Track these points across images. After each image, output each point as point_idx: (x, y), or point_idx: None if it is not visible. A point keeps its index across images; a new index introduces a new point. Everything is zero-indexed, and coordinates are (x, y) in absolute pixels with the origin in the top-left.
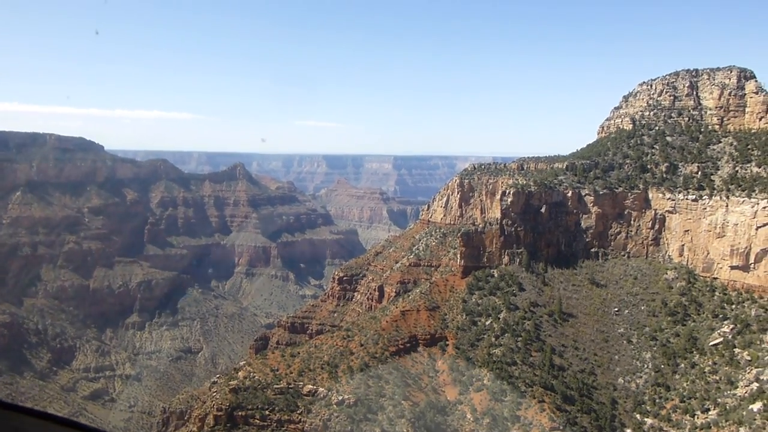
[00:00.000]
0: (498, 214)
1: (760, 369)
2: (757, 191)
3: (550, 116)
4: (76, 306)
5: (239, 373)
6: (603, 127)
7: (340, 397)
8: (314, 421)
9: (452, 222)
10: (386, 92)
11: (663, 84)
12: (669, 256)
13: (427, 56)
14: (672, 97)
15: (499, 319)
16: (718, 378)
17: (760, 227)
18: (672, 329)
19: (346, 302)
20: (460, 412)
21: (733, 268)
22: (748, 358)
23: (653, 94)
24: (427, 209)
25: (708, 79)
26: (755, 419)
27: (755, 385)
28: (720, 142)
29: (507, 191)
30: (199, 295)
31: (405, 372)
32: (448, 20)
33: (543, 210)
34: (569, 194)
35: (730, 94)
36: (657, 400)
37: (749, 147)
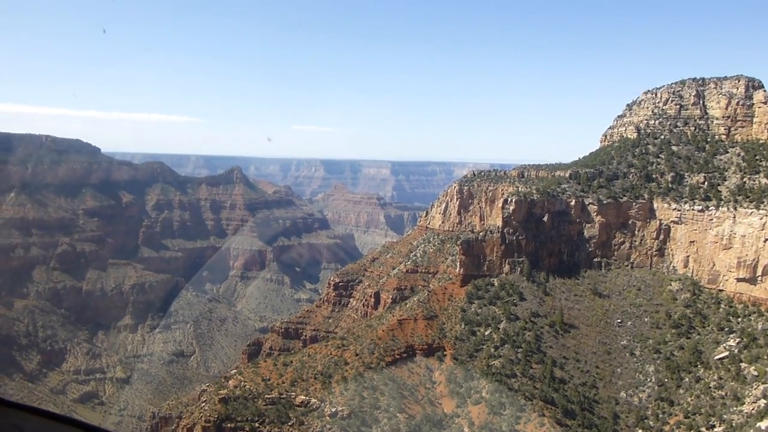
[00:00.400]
0: (498, 222)
1: (767, 385)
2: (765, 203)
3: (548, 124)
4: (68, 308)
5: (229, 382)
6: (606, 136)
7: (334, 409)
8: None
9: (451, 229)
10: (384, 97)
11: (668, 92)
12: (674, 267)
13: (425, 62)
14: (678, 106)
15: (498, 329)
16: (724, 393)
17: None
18: (676, 342)
19: (341, 308)
20: (458, 425)
21: (739, 280)
22: (755, 373)
23: (658, 102)
24: (426, 215)
25: (715, 88)
26: None
27: (763, 402)
28: (727, 152)
29: (509, 199)
30: (193, 298)
31: (401, 383)
32: (447, 26)
33: (545, 218)
34: (572, 203)
35: (737, 104)
36: (660, 416)
37: (757, 157)
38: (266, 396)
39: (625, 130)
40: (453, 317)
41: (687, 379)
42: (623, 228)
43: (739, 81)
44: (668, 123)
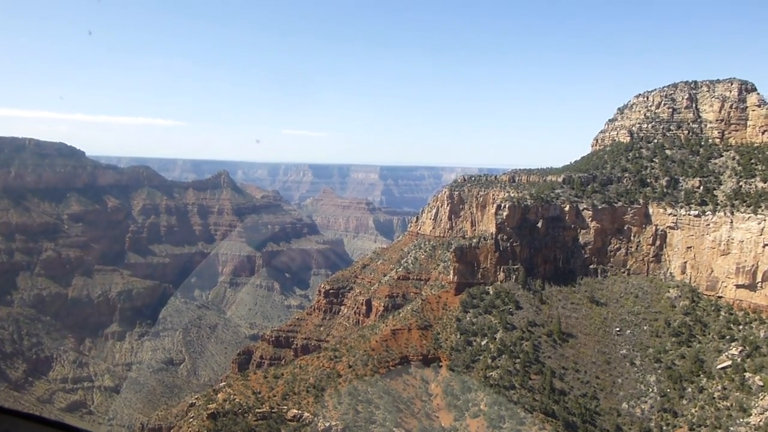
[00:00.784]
0: (490, 228)
1: None
2: (763, 207)
3: (537, 128)
4: (54, 315)
5: (218, 395)
6: (597, 140)
7: (327, 424)
8: None
9: (442, 234)
10: (372, 102)
11: (661, 96)
12: (671, 273)
13: (413, 67)
14: (670, 110)
15: (495, 339)
16: (729, 404)
17: (767, 245)
18: (677, 351)
19: (332, 316)
20: None
21: (738, 286)
22: (761, 383)
23: (650, 106)
24: (416, 221)
25: (708, 91)
26: None
27: None
28: (722, 156)
29: (502, 204)
30: (182, 305)
31: (396, 396)
32: (436, 31)
33: (540, 224)
34: (567, 208)
35: (731, 107)
36: (664, 427)
37: (753, 161)
38: (257, 410)
39: (618, 133)
40: (448, 327)
41: (690, 390)
42: (619, 234)
43: (732, 84)
44: (661, 126)
